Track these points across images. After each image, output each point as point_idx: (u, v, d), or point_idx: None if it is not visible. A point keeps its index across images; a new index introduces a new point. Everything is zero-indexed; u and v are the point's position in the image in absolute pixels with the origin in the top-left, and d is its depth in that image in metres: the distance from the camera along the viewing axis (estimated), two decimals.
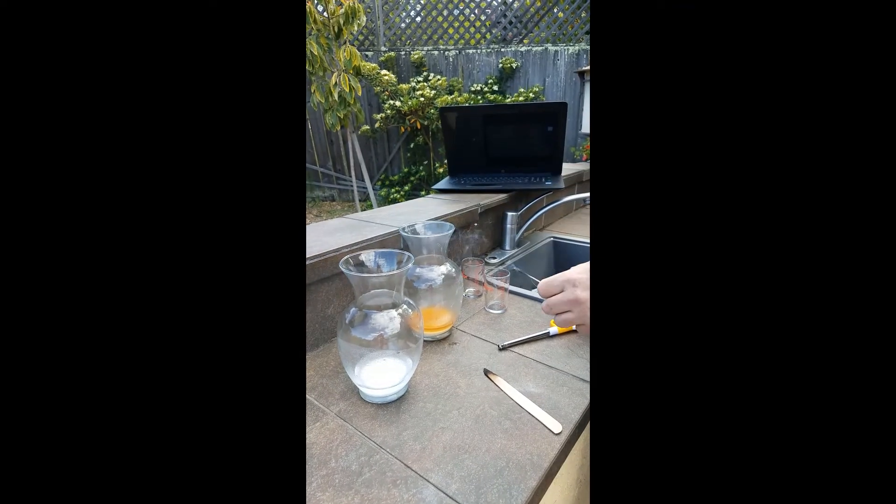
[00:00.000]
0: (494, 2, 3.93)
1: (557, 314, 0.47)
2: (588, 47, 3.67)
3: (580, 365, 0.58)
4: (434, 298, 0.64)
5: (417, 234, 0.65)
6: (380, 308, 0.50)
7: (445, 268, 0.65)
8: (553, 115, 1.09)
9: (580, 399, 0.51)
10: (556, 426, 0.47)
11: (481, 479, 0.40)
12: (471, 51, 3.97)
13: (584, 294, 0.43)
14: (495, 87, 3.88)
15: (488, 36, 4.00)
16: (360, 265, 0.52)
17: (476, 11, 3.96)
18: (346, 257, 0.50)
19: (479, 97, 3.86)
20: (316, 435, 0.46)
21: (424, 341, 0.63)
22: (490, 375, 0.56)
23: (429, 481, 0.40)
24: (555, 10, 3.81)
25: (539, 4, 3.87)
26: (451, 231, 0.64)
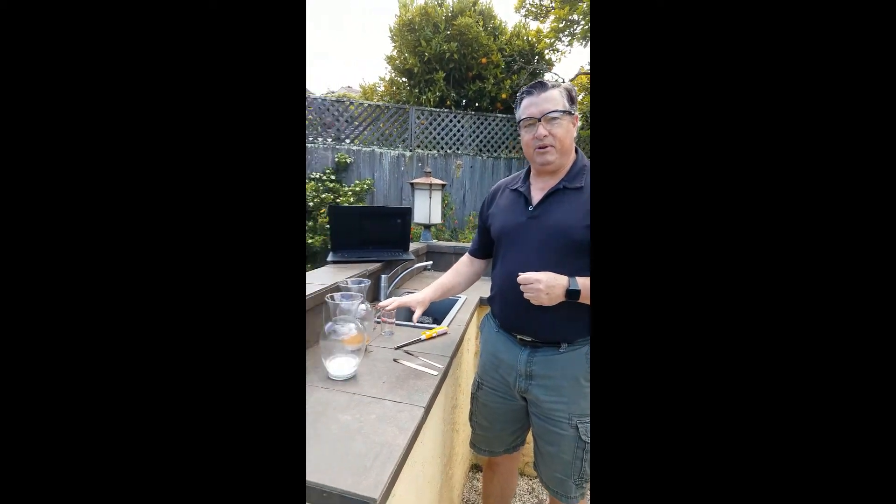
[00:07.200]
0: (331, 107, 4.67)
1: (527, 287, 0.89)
2: (406, 153, 4.69)
3: (438, 358, 1.11)
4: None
5: (350, 289, 1.10)
6: (344, 323, 0.93)
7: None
8: (402, 215, 1.70)
9: (442, 362, 1.03)
10: (435, 371, 0.97)
11: (404, 395, 0.87)
12: (310, 145, 4.52)
13: (543, 287, 0.87)
14: (332, 177, 4.47)
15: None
16: (332, 300, 0.95)
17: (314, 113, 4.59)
18: (327, 295, 0.93)
19: (320, 184, 4.38)
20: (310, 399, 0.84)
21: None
22: (397, 360, 1.03)
23: (384, 399, 0.84)
24: (378, 121, 4.78)
25: (366, 115, 4.79)
26: (368, 285, 1.11)
